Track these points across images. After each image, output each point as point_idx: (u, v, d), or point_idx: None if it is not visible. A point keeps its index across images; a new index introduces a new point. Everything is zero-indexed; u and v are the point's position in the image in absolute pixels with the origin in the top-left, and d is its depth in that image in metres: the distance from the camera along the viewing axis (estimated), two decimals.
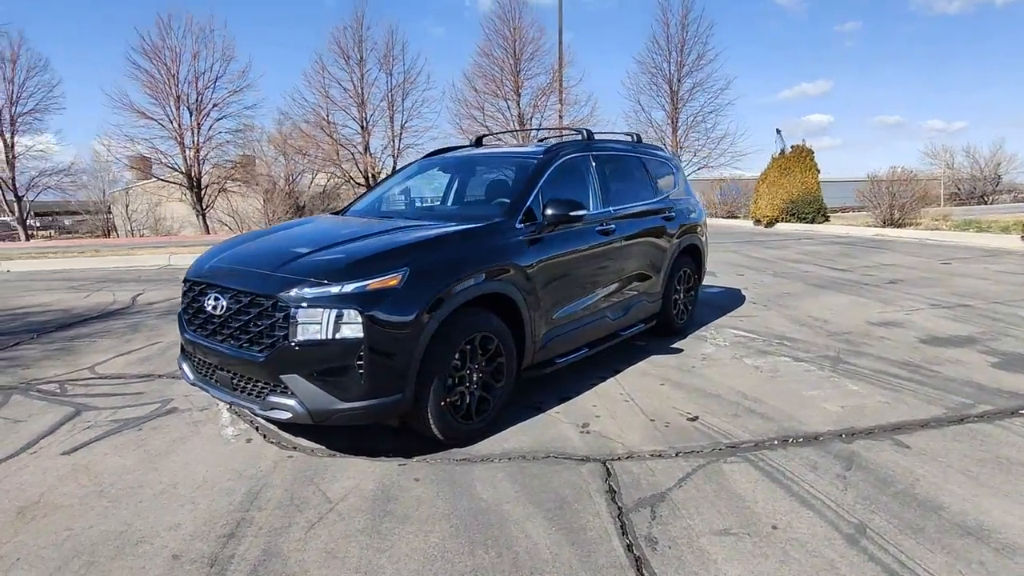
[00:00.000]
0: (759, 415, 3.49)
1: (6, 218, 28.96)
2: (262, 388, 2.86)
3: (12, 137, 26.70)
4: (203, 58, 26.70)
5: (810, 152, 19.97)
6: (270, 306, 2.78)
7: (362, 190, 25.70)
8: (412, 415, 2.99)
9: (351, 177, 29.00)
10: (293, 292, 2.75)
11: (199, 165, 27.26)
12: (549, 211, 3.59)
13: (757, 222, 20.51)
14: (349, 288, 2.73)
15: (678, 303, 5.34)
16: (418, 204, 4.43)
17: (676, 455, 3.02)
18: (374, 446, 3.13)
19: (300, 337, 2.71)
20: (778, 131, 20.57)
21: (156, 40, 25.84)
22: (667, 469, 2.87)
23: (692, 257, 5.54)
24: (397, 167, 26.08)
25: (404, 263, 2.87)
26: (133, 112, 25.72)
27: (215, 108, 27.18)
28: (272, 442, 3.21)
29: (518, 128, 28.04)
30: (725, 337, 5.27)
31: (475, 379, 3.20)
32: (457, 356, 3.09)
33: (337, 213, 4.34)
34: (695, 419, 3.46)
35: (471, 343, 3.14)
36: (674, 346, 5.01)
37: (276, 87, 60.54)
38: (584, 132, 4.54)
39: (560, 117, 29.19)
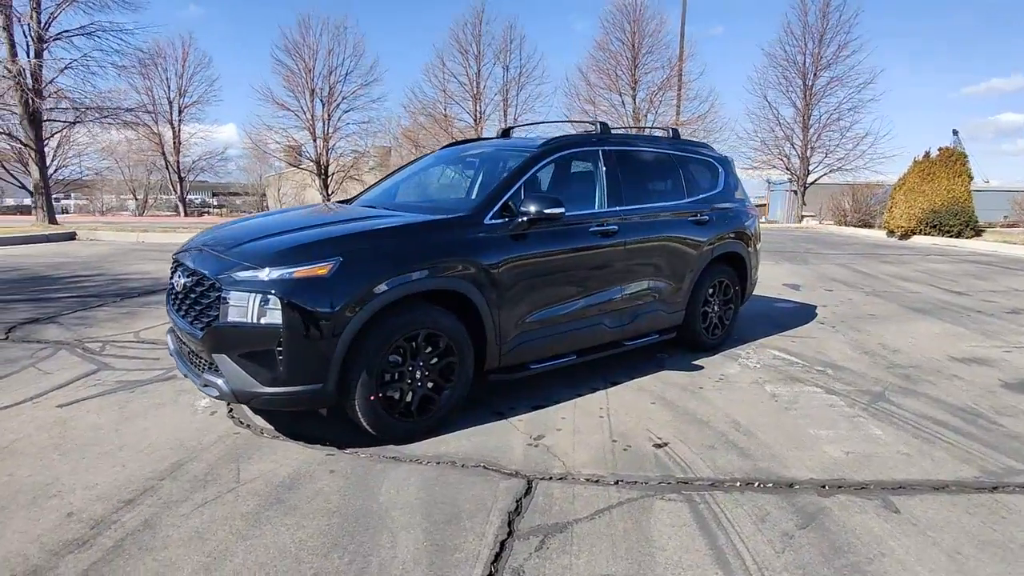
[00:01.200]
0: (739, 450, 3.05)
1: (171, 196, 33.38)
2: (202, 365, 2.98)
3: (179, 125, 30.55)
4: (336, 54, 28.75)
5: (961, 156, 17.38)
6: (209, 286, 2.88)
7: None
8: (347, 407, 2.96)
9: None
10: (228, 275, 2.83)
11: (327, 154, 29.46)
12: (522, 208, 3.39)
13: (890, 233, 18.26)
14: (275, 274, 2.75)
15: (709, 317, 4.84)
16: (421, 195, 4.38)
17: (614, 483, 2.72)
18: (318, 433, 3.14)
19: (229, 319, 2.78)
20: (955, 132, 17.99)
21: (297, 38, 28.23)
22: (592, 497, 2.59)
23: (733, 267, 5.00)
24: None
25: (337, 252, 2.84)
26: (274, 104, 28.36)
27: (344, 101, 29.20)
28: (232, 417, 3.34)
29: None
30: (761, 358, 4.70)
31: (418, 377, 3.10)
32: (399, 351, 3.01)
33: (344, 202, 4.42)
34: (663, 446, 3.11)
35: (413, 339, 3.04)
36: (696, 362, 4.56)
37: (401, 81, 63.90)
38: (599, 125, 4.23)
39: (677, 112, 27.94)
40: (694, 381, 4.14)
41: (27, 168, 15.59)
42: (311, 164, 29.99)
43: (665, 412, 3.57)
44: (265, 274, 2.75)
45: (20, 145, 14.28)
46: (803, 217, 28.21)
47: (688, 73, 27.58)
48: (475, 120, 29.38)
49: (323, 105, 29.19)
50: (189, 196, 34.95)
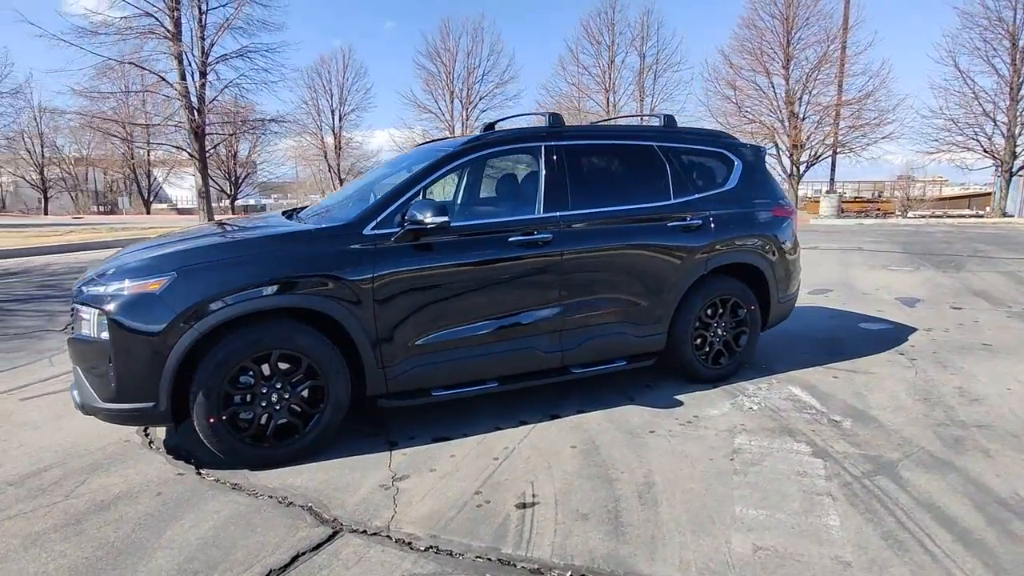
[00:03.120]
0: (614, 525, 2.41)
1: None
2: None
3: (339, 132, 33.79)
4: (474, 55, 29.70)
5: None
6: (73, 297, 2.95)
7: None
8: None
9: None
10: (82, 288, 2.87)
11: None
12: (406, 216, 3.01)
13: None
14: (110, 289, 2.72)
15: (709, 343, 4.00)
16: (354, 201, 4.08)
17: (425, 548, 2.29)
18: (195, 448, 3.09)
19: (77, 331, 2.82)
20: None
21: (438, 43, 29.64)
22: (376, 566, 2.19)
23: (744, 281, 4.08)
24: None
25: (172, 268, 2.73)
26: (417, 107, 30.13)
27: (481, 100, 30.10)
28: (137, 428, 3.40)
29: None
30: (768, 397, 3.78)
31: (275, 400, 2.90)
32: (249, 372, 2.84)
33: (286, 213, 4.23)
34: (529, 506, 2.57)
35: (265, 360, 2.84)
36: (678, 397, 3.80)
37: (534, 77, 64.36)
38: (549, 117, 3.66)
39: (839, 91, 24.54)
40: (652, 422, 3.43)
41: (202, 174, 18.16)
42: None
43: (576, 461, 2.98)
44: (103, 289, 2.74)
45: (186, 155, 16.76)
46: None
47: (854, 44, 24.08)
48: (607, 113, 28.50)
49: (461, 106, 30.35)
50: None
